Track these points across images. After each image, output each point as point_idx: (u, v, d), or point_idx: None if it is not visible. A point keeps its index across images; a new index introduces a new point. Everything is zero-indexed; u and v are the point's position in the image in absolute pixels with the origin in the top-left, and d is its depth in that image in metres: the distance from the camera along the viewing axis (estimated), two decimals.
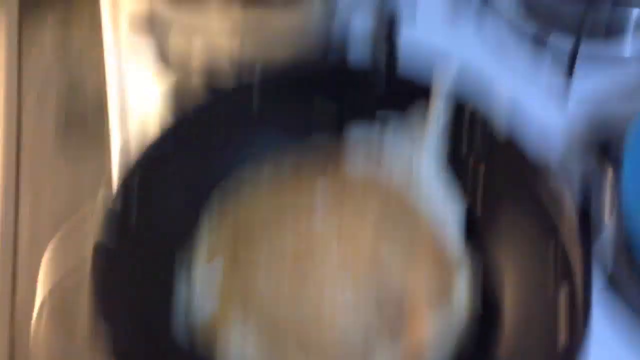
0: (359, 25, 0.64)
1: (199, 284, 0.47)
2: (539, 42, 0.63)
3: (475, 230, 0.49)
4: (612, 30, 0.64)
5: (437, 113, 0.49)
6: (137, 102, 0.57)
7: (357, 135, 0.53)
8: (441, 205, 0.50)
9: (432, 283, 0.46)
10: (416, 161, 0.51)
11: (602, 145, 0.55)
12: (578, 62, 0.60)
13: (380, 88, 0.50)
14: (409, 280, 0.46)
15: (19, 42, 0.64)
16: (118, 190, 0.44)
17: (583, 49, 0.61)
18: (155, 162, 0.47)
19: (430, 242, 0.48)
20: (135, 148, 0.46)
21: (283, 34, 0.55)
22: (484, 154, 0.48)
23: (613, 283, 0.50)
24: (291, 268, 0.46)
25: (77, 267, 0.42)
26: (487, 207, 0.49)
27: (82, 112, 0.60)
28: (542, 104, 0.59)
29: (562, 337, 0.40)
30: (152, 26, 0.62)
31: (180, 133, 0.49)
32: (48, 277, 0.42)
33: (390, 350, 0.44)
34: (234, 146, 0.52)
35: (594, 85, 0.60)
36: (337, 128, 0.53)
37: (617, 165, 0.49)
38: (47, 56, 0.64)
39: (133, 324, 0.42)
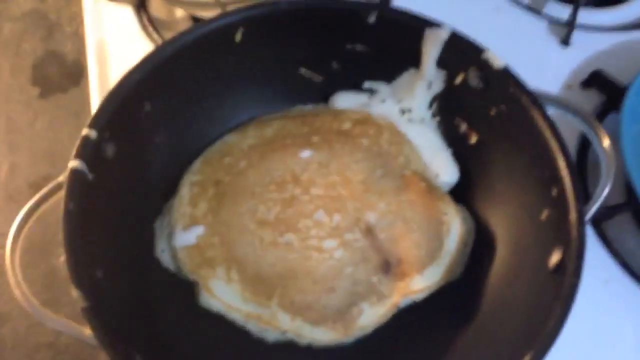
0: None
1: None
2: (535, 11, 0.61)
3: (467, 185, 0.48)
4: None
5: (427, 76, 0.48)
6: (119, 68, 0.55)
7: (343, 104, 0.51)
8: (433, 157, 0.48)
9: (422, 242, 0.44)
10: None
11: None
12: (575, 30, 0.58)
13: (372, 23, 0.46)
14: (399, 239, 0.44)
15: None
16: (95, 117, 0.41)
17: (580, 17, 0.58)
18: (137, 90, 0.43)
19: (420, 197, 0.46)
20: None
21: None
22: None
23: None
24: (275, 231, 0.44)
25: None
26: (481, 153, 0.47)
27: (60, 78, 0.58)
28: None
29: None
30: None
31: (164, 62, 0.44)
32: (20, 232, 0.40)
33: (377, 307, 0.43)
34: (218, 102, 0.49)
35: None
36: (322, 98, 0.51)
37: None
38: (22, 26, 0.62)
39: (109, 246, 0.41)
